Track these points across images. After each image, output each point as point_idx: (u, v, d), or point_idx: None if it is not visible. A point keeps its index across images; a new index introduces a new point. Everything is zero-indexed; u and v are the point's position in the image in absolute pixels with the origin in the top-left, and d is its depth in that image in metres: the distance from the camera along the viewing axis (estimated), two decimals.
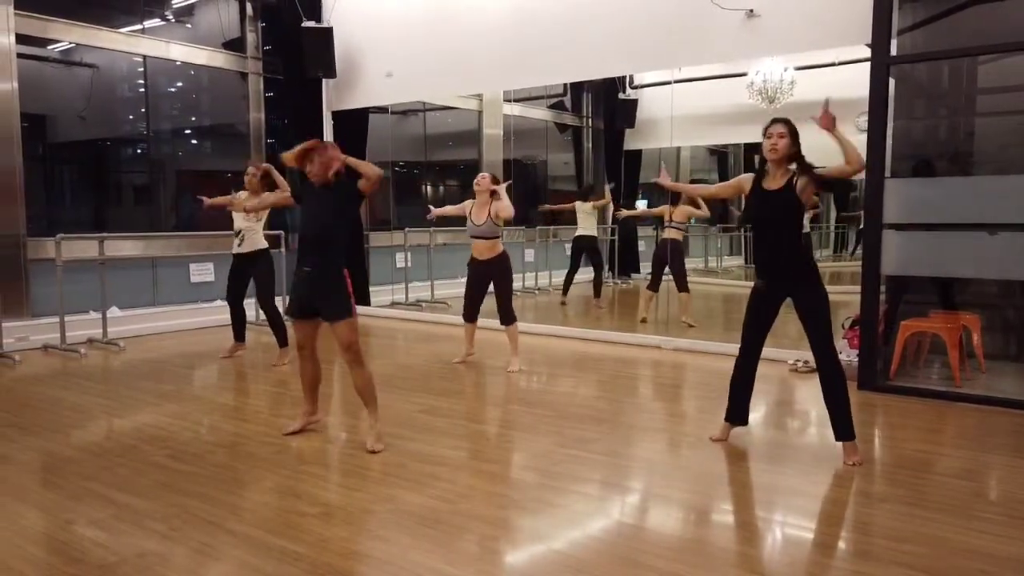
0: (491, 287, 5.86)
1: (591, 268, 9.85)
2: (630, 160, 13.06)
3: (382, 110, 9.41)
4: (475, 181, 5.79)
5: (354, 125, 8.93)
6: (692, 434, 4.26)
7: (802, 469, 3.64)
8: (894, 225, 5.03)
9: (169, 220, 8.42)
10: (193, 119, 8.87)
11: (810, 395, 5.08)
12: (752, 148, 14.42)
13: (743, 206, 3.87)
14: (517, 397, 5.19)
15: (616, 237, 12.65)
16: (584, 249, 9.73)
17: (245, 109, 8.81)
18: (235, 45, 8.68)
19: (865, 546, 2.75)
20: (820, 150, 3.80)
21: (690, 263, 14.82)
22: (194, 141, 9.02)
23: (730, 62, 9.22)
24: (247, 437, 4.14)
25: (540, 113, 12.85)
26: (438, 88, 8.61)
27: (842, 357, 5.42)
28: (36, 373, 5.91)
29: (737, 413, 3.98)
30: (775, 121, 3.69)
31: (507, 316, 5.78)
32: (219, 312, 7.89)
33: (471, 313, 5.95)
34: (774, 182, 3.66)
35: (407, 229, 9.72)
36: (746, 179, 3.82)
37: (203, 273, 8.23)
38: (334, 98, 8.85)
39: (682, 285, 8.01)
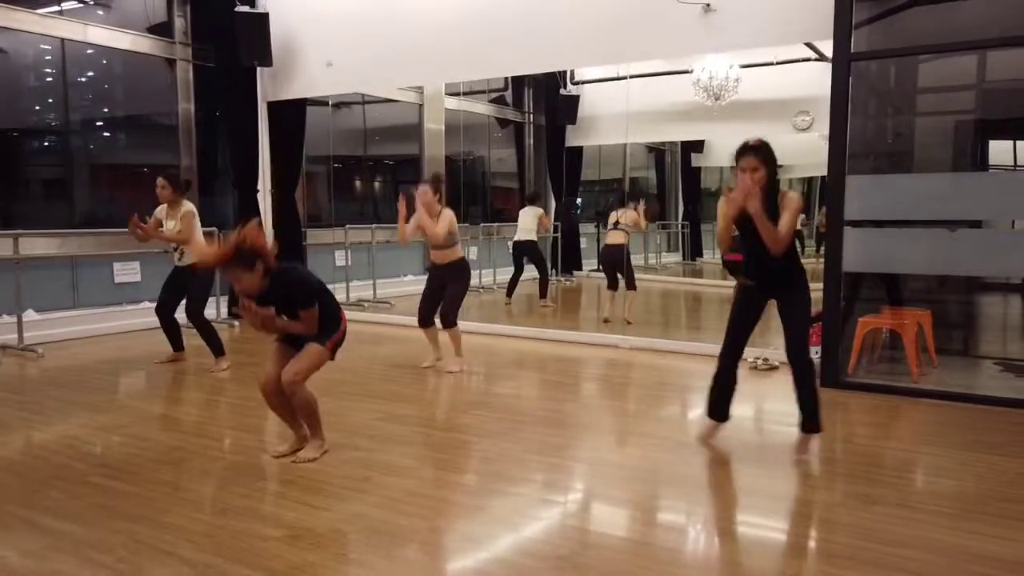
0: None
1: (535, 270, 9.74)
2: (571, 157, 12.98)
3: (321, 102, 9.03)
4: (417, 195, 5.51)
5: (291, 117, 8.52)
6: (669, 437, 4.13)
7: (783, 471, 3.55)
8: (855, 222, 5.04)
9: (83, 217, 7.81)
10: (113, 109, 8.26)
11: (774, 392, 5.06)
12: (691, 145, 14.64)
13: (737, 229, 3.70)
14: (477, 401, 4.98)
15: (559, 234, 12.55)
16: (524, 253, 9.60)
17: (172, 99, 8.29)
18: (161, 30, 8.15)
19: (865, 552, 2.66)
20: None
21: (634, 259, 14.96)
22: (115, 132, 8.41)
23: (686, 57, 9.24)
24: (192, 451, 3.81)
25: (481, 108, 12.63)
26: (381, 80, 8.28)
27: None
28: None
29: (721, 411, 3.89)
30: (746, 151, 3.47)
31: (448, 319, 5.56)
32: (146, 314, 7.37)
33: (424, 317, 5.70)
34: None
35: (347, 226, 9.36)
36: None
37: (128, 273, 7.70)
38: (270, 88, 8.42)
39: (632, 283, 7.94)
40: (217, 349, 5.74)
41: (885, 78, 6.47)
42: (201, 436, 4.08)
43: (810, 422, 3.67)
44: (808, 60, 10.23)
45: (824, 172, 5.16)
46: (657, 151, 15.82)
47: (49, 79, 7.55)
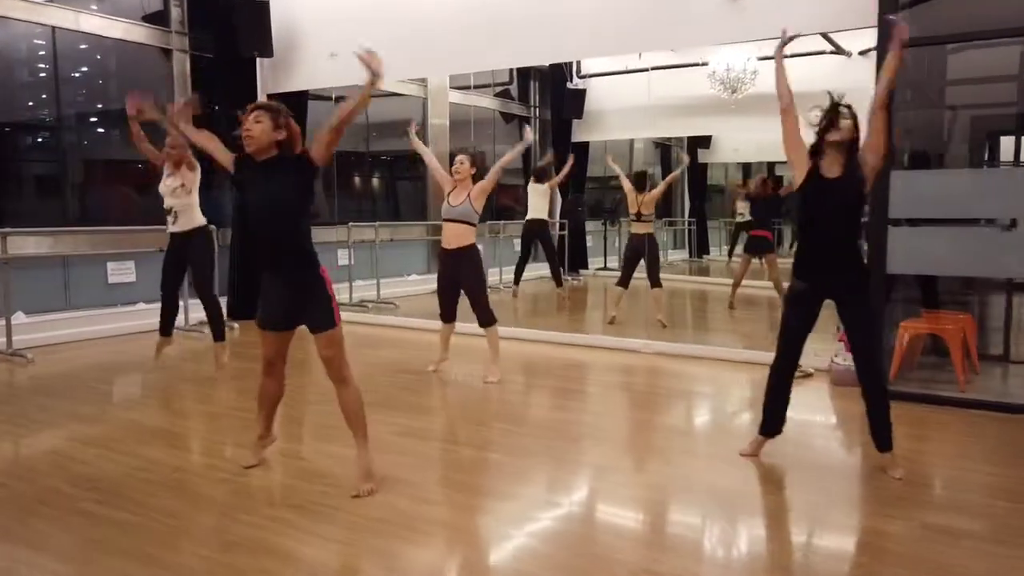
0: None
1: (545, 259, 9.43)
2: (577, 152, 12.63)
3: (323, 96, 8.67)
4: (454, 169, 5.22)
5: (292, 110, 8.15)
6: (715, 454, 3.81)
7: (845, 495, 3.24)
8: (899, 221, 4.73)
9: (75, 214, 7.44)
10: (105, 102, 7.86)
11: (814, 404, 4.75)
12: (697, 141, 14.32)
13: (801, 198, 3.41)
14: (500, 414, 4.64)
15: (566, 232, 12.23)
16: (536, 234, 9.28)
17: (168, 91, 7.92)
18: (157, 19, 7.79)
19: None
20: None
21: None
22: (107, 126, 8.02)
23: (698, 49, 8.91)
24: (193, 472, 3.48)
25: (486, 102, 12.28)
26: (389, 71, 7.88)
27: (838, 361, 5.18)
28: None
29: (773, 424, 3.59)
30: (838, 105, 3.31)
31: (483, 317, 5.21)
32: (141, 316, 7.10)
33: (447, 312, 5.36)
34: (834, 169, 3.26)
35: (350, 224, 9.02)
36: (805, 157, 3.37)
37: (122, 273, 7.34)
38: (270, 80, 8.06)
39: (656, 280, 7.57)
40: (219, 332, 5.52)
41: (918, 68, 6.14)
42: (203, 453, 3.75)
43: (883, 440, 3.40)
44: (823, 53, 9.96)
45: None
46: (663, 147, 15.51)
47: (39, 70, 7.18)
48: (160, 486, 3.28)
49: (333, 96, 8.58)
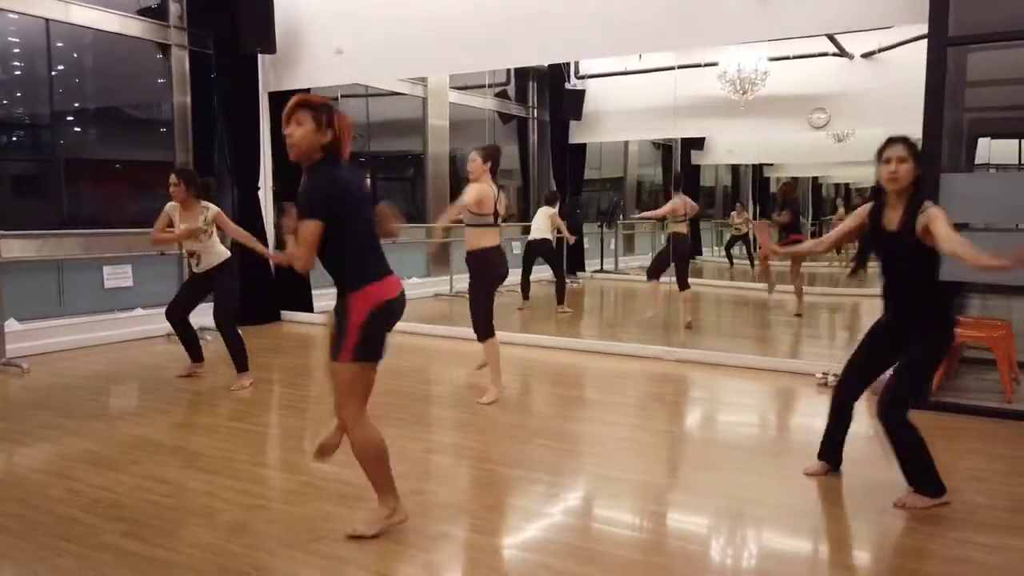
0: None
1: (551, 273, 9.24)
2: (573, 154, 12.44)
3: (326, 95, 8.40)
4: (468, 168, 4.95)
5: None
6: (767, 472, 3.62)
7: (919, 521, 3.05)
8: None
9: (68, 216, 7.11)
10: (100, 99, 7.53)
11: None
12: (690, 142, 14.19)
13: (862, 245, 3.25)
14: (537, 428, 4.40)
15: (565, 234, 11.98)
16: (540, 254, 9.10)
17: (165, 88, 7.62)
18: (154, 13, 7.47)
19: None
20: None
21: (639, 260, 14.49)
22: (101, 125, 7.68)
23: (701, 49, 8.74)
24: (223, 497, 3.21)
25: (483, 102, 12.04)
26: (397, 68, 7.66)
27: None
28: None
29: (832, 454, 3.40)
30: (893, 141, 3.03)
31: (476, 329, 4.80)
32: (140, 322, 6.81)
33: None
34: (893, 218, 3.05)
35: None
36: (863, 212, 3.18)
37: (119, 277, 7.03)
38: (272, 77, 7.79)
39: (685, 282, 7.58)
40: (241, 364, 5.17)
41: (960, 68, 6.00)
42: (230, 475, 3.48)
43: (921, 488, 3.10)
44: (826, 55, 9.84)
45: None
46: (664, 147, 15.36)
47: (30, 65, 6.84)
48: (189, 514, 3.02)
49: (339, 94, 8.31)
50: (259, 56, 7.61)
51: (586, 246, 13.08)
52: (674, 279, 7.57)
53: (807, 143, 12.59)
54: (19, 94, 6.96)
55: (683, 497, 3.36)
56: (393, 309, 2.68)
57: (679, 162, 15.07)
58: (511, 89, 12.69)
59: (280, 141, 7.42)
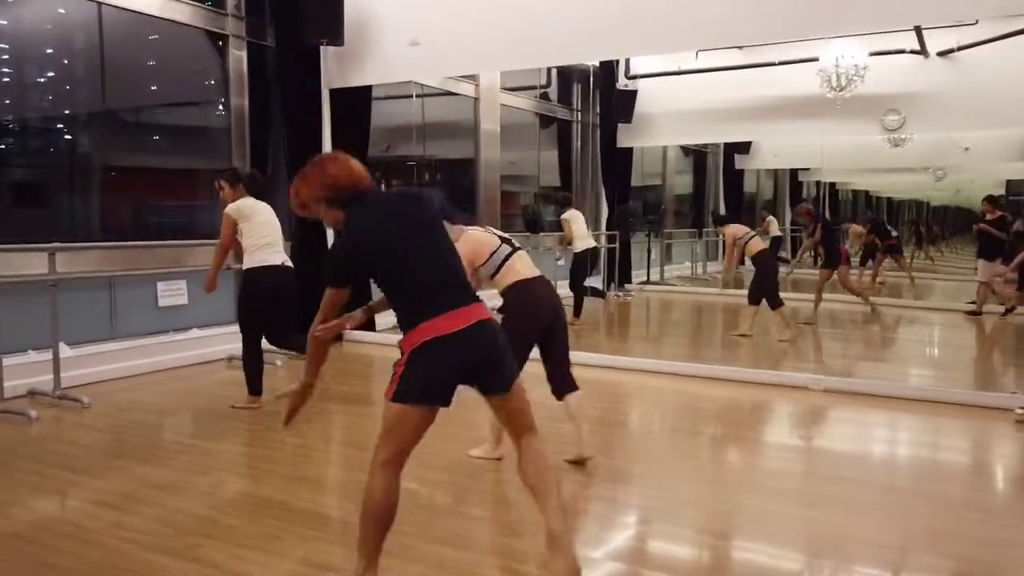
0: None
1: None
2: (620, 159, 11.79)
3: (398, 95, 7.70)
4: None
5: (356, 107, 7.20)
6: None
7: None
8: None
9: (117, 227, 6.38)
10: (150, 96, 6.78)
11: None
12: (734, 146, 13.63)
13: None
14: (758, 485, 3.74)
15: (616, 244, 11.36)
16: (591, 264, 8.56)
17: (221, 82, 6.88)
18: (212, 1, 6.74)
19: None
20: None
21: (675, 269, 13.88)
22: (150, 125, 6.93)
23: (824, 39, 8.14)
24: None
25: (529, 104, 11.37)
26: (480, 61, 6.93)
27: None
28: None
29: None
30: None
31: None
32: (197, 345, 6.09)
33: None
34: None
35: None
36: None
37: (173, 294, 6.29)
38: (335, 72, 7.08)
39: (753, 297, 7.45)
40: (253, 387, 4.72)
41: None
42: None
43: None
44: (902, 52, 9.27)
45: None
46: (697, 153, 14.76)
47: (81, 60, 6.10)
48: None
49: (414, 94, 7.62)
50: (321, 49, 6.91)
51: (635, 257, 12.42)
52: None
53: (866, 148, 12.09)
54: (51, 95, 6.20)
55: None
56: (443, 346, 2.27)
57: (722, 168, 14.57)
58: (552, 91, 12.04)
59: (340, 145, 6.72)
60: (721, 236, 8.98)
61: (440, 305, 2.29)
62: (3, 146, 5.92)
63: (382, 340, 7.21)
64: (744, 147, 13.59)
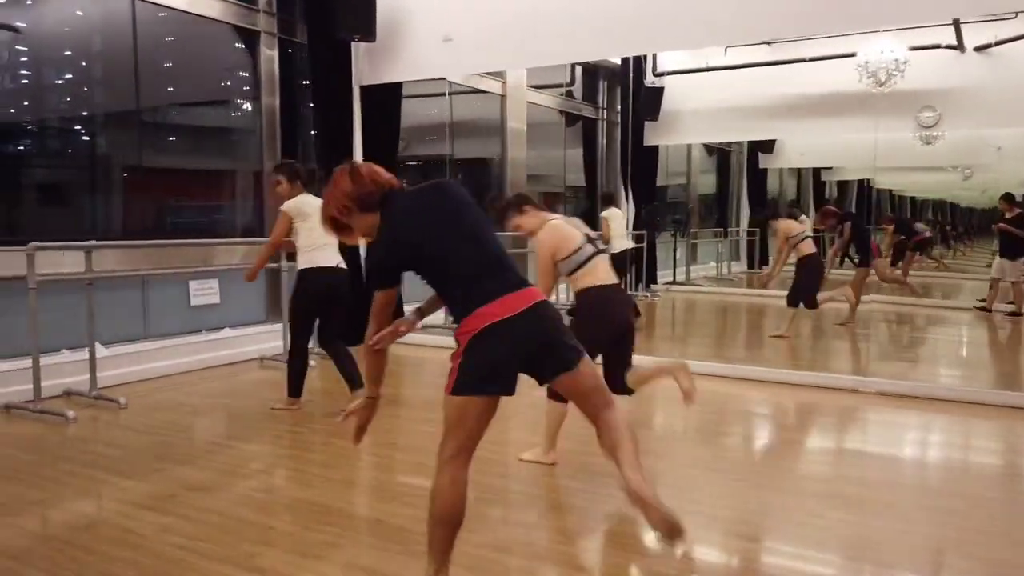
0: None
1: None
2: (645, 158, 11.64)
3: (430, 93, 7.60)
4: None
5: (386, 105, 7.10)
6: None
7: None
8: None
9: (150, 225, 6.31)
10: (179, 94, 6.69)
11: None
12: (758, 145, 13.46)
13: None
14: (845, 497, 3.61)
15: (644, 244, 11.21)
16: (629, 263, 8.42)
17: (252, 79, 6.79)
18: None
19: None
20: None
21: (700, 269, 13.71)
22: (179, 124, 6.85)
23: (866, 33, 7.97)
24: None
25: (555, 102, 11.25)
26: (511, 57, 6.79)
27: None
28: (1, 455, 3.85)
29: None
30: None
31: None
32: (229, 345, 6.01)
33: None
34: None
35: None
36: None
37: (205, 293, 6.21)
38: (366, 69, 6.97)
39: (790, 299, 7.23)
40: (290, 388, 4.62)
41: None
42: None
43: None
44: (938, 47, 9.08)
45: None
46: (721, 152, 14.59)
47: (111, 56, 6.02)
48: None
49: (447, 92, 7.51)
50: (352, 45, 6.81)
51: (661, 257, 12.28)
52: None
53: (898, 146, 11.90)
54: (67, 97, 6.12)
55: None
56: (501, 332, 2.17)
57: (745, 166, 14.38)
58: (576, 89, 11.91)
59: (371, 143, 6.56)
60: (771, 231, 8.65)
61: (491, 291, 2.21)
62: (21, 148, 5.85)
63: (413, 340, 7.11)
64: (768, 146, 13.43)
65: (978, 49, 9.07)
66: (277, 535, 2.87)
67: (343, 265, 4.57)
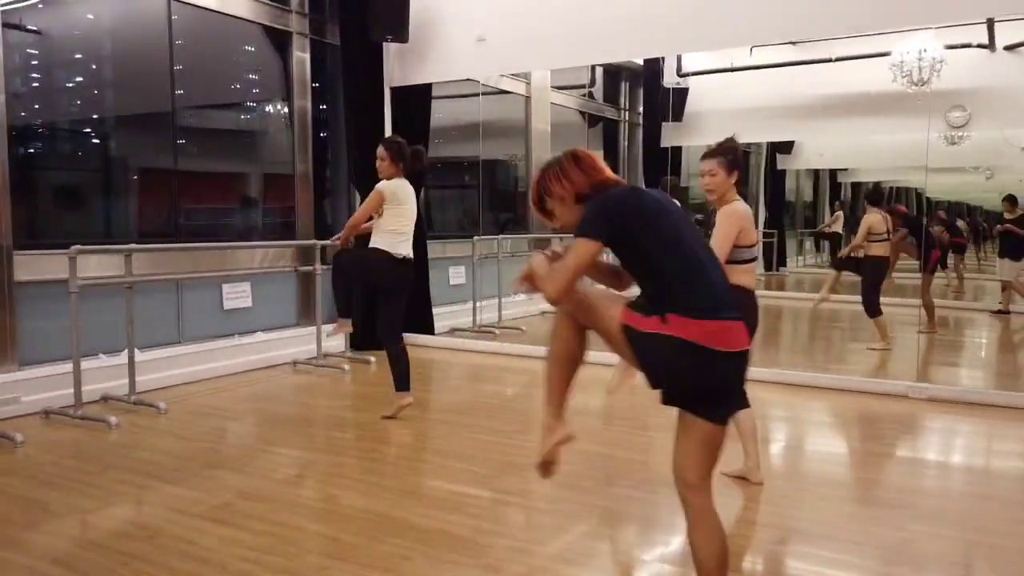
0: None
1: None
2: (665, 159, 11.54)
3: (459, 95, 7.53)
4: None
5: (416, 106, 7.03)
6: None
7: None
8: None
9: (182, 227, 6.23)
10: (211, 96, 6.61)
11: None
12: (777, 146, 13.37)
13: None
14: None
15: None
16: None
17: (284, 81, 6.72)
18: None
19: None
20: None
21: None
22: (212, 127, 6.76)
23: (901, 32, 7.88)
24: None
25: (577, 103, 11.17)
26: (541, 58, 6.71)
27: None
28: (45, 462, 3.78)
29: None
30: None
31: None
32: (262, 349, 5.96)
33: None
34: None
35: (476, 237, 7.86)
36: None
37: (238, 297, 6.15)
38: (397, 70, 6.92)
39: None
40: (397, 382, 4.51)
41: None
42: None
43: None
44: (968, 46, 8.97)
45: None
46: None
47: (87, 60, 5.93)
48: None
49: (480, 92, 7.43)
50: (384, 46, 6.75)
51: None
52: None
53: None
54: (65, 94, 6.04)
55: None
56: (711, 361, 1.95)
57: (763, 167, 14.27)
58: (597, 91, 11.83)
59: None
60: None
61: (716, 306, 1.97)
62: (41, 150, 5.80)
63: (440, 344, 7.04)
64: (787, 147, 13.36)
65: (1009, 48, 8.97)
66: (344, 547, 2.79)
67: (411, 256, 4.47)
